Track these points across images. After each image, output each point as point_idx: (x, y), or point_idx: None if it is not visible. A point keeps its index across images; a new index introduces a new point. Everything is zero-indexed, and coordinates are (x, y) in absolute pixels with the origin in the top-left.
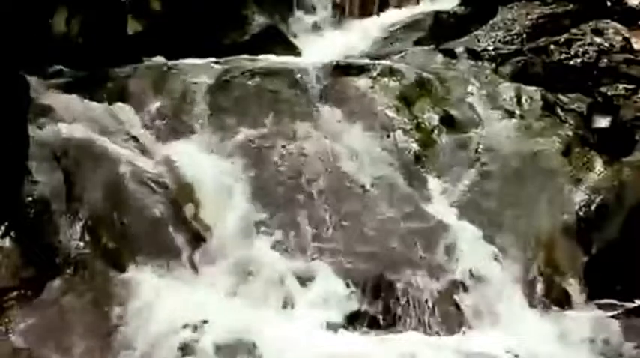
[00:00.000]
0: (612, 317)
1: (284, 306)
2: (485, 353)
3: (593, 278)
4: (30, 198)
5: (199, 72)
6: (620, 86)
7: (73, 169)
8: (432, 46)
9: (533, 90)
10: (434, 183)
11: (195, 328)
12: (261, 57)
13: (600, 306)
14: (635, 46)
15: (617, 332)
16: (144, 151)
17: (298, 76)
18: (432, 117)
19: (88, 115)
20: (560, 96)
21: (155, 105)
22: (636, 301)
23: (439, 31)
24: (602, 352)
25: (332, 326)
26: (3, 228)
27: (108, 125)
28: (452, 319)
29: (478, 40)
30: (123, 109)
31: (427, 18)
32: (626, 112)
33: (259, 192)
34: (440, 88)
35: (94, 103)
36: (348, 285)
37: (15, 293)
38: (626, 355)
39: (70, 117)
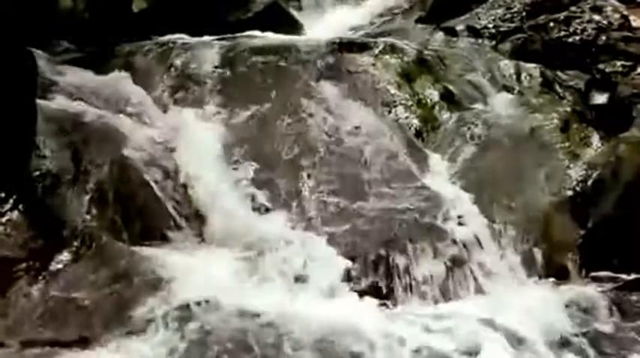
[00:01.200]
0: (608, 289)
1: (287, 278)
2: (482, 321)
3: (589, 251)
4: (38, 173)
5: (204, 49)
6: (618, 63)
7: (80, 144)
8: (433, 24)
9: (532, 67)
10: (434, 158)
11: (199, 299)
12: (265, 34)
13: (597, 279)
14: (634, 24)
15: (613, 305)
16: (150, 126)
17: (301, 53)
18: (432, 94)
19: (94, 91)
20: (559, 73)
21: (161, 81)
22: (632, 274)
23: (440, 9)
24: (598, 324)
25: (334, 298)
26: (12, 201)
27: (114, 100)
28: (451, 290)
29: (478, 18)
30: (129, 85)
31: None
32: (623, 89)
33: (263, 166)
34: (440, 65)
35: (101, 79)
36: (349, 257)
37: (24, 265)
38: (622, 327)
39: (77, 93)
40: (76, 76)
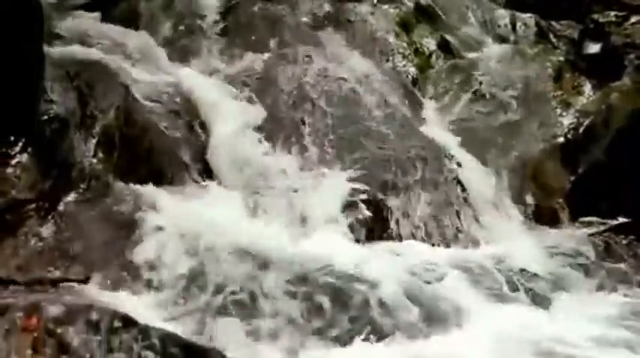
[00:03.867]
0: (597, 233)
1: (287, 220)
2: (476, 265)
3: (579, 197)
4: (46, 116)
5: None
6: (612, 13)
7: (86, 89)
8: None
9: (527, 16)
10: (430, 106)
11: (203, 239)
12: None
13: (586, 224)
14: None
15: (601, 248)
16: (154, 72)
17: (302, 1)
18: (429, 43)
19: (100, 36)
20: (553, 23)
21: (165, 27)
22: (620, 218)
23: None
24: (587, 267)
25: (332, 239)
26: (21, 143)
27: (120, 46)
28: (446, 234)
29: None
30: (134, 31)
31: None
32: (616, 39)
33: (264, 112)
34: (437, 15)
35: (107, 25)
36: (348, 200)
37: (33, 206)
38: (609, 270)
39: (83, 38)
40: (82, 22)
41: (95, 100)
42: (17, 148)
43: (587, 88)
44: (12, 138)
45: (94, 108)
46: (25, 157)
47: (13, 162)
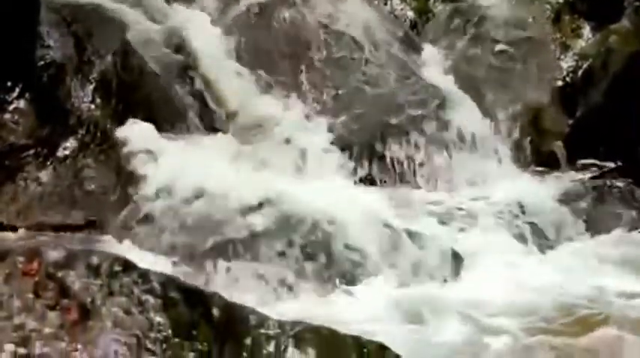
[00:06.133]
0: (594, 176)
1: (284, 165)
2: (472, 209)
3: (578, 140)
4: (42, 62)
5: None
6: None
7: (82, 34)
8: None
9: None
10: (429, 50)
11: (201, 185)
12: None
13: (584, 167)
14: None
15: (598, 191)
16: (151, 16)
17: None
18: None
19: None
20: None
21: None
22: (617, 162)
23: None
24: (583, 208)
25: (329, 184)
26: (18, 89)
27: None
28: (443, 177)
29: None
30: None
31: None
32: None
33: (262, 57)
34: None
35: None
36: (346, 146)
37: (31, 151)
38: (604, 211)
39: None
40: None
41: (92, 46)
42: (15, 94)
43: (587, 30)
44: (9, 83)
45: (91, 54)
46: (22, 103)
47: (11, 107)
